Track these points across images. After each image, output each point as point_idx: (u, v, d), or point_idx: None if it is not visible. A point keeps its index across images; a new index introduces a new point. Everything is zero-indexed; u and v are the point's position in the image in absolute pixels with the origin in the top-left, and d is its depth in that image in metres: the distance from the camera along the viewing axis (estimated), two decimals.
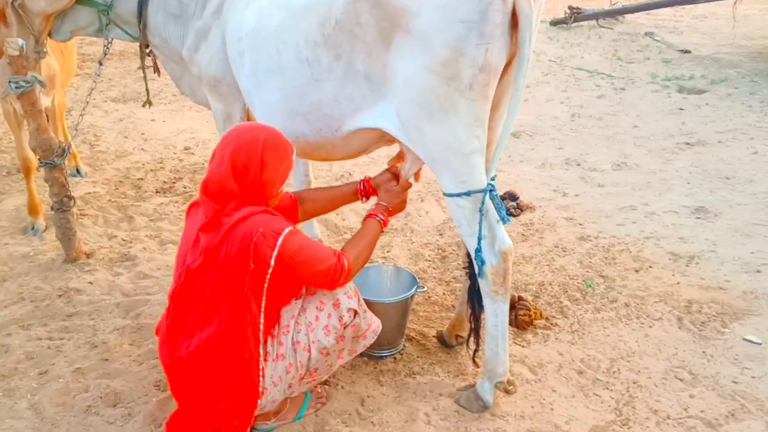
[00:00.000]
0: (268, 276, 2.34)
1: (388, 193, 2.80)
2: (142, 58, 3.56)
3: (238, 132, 2.42)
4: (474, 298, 2.84)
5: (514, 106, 2.35)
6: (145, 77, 3.71)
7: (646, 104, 7.21)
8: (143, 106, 3.89)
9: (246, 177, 2.35)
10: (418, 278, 3.60)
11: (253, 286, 2.35)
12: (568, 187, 5.24)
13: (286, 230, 2.33)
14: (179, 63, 3.38)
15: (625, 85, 7.93)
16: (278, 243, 2.30)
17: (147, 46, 3.50)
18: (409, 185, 2.84)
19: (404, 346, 3.24)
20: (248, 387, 2.45)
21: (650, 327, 3.43)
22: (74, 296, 3.63)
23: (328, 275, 2.42)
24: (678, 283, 3.82)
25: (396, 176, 2.84)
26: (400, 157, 2.84)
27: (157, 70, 3.68)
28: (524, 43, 2.21)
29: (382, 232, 2.73)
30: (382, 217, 2.70)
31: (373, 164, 5.42)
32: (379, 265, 3.44)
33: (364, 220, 2.72)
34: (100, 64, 3.54)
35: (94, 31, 3.40)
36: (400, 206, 2.83)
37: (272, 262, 2.30)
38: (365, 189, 2.87)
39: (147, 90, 3.81)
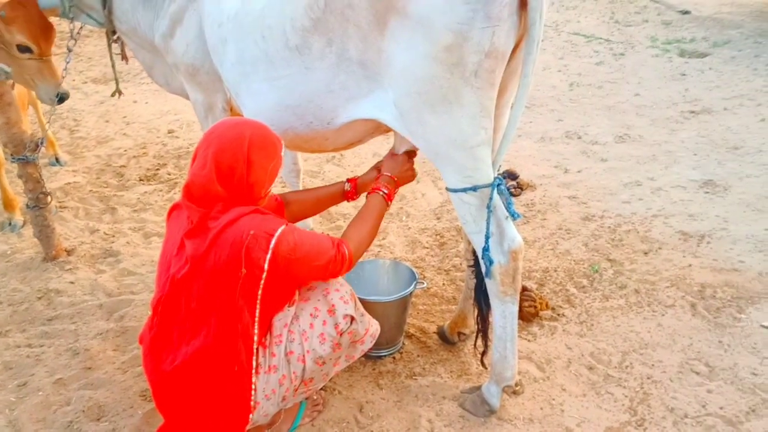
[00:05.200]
0: (262, 281, 2.16)
1: (392, 160, 2.59)
2: (109, 46, 3.30)
3: (221, 130, 2.20)
4: (481, 297, 2.65)
5: (522, 93, 2.12)
6: (113, 66, 3.46)
7: (647, 70, 6.98)
8: (112, 96, 3.63)
9: (232, 179, 2.15)
10: (416, 268, 3.44)
11: (245, 293, 2.17)
12: (569, 162, 5.04)
13: (279, 230, 2.14)
14: (151, 51, 3.13)
15: (625, 50, 7.68)
16: (271, 245, 2.11)
17: (114, 33, 3.23)
18: (414, 153, 2.61)
19: (404, 344, 3.08)
20: (239, 402, 2.28)
21: (662, 315, 3.26)
22: (55, 298, 3.44)
23: (328, 269, 2.25)
24: (689, 265, 3.65)
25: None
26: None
27: (125, 57, 3.43)
28: (534, 23, 1.97)
29: (388, 207, 2.52)
30: (385, 191, 2.50)
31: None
32: (375, 260, 3.25)
33: (368, 195, 2.52)
34: (69, 50, 3.27)
35: (60, 15, 3.14)
36: (407, 176, 2.62)
37: (266, 266, 2.12)
38: (352, 190, 2.68)
39: (116, 80, 3.56)
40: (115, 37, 3.27)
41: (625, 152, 5.16)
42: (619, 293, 3.44)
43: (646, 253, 3.79)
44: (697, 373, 2.88)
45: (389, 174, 2.56)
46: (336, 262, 2.25)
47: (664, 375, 2.87)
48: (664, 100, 6.17)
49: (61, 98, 3.48)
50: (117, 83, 3.59)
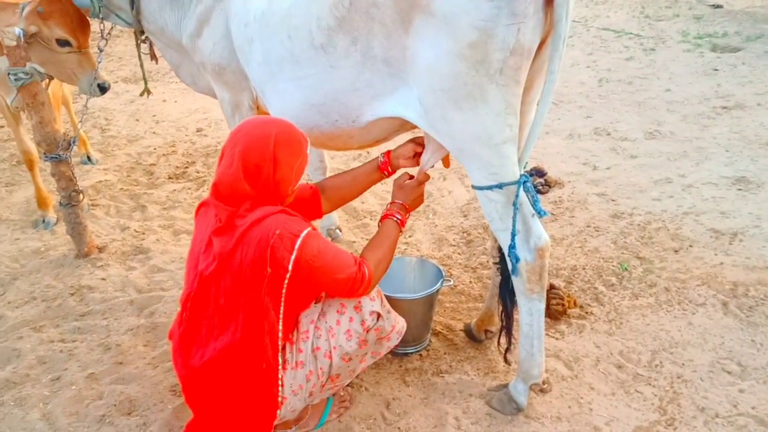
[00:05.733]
0: (286, 281, 2.17)
1: (402, 189, 2.59)
2: (138, 46, 3.36)
3: (247, 128, 2.22)
4: (506, 293, 2.64)
5: (548, 90, 2.11)
6: (141, 65, 3.53)
7: (678, 65, 6.87)
8: (141, 95, 3.70)
9: (259, 177, 2.17)
10: (443, 266, 3.43)
11: (270, 291, 2.19)
12: (598, 159, 4.99)
13: (305, 232, 2.15)
14: (178, 50, 3.18)
15: (655, 45, 7.57)
16: (296, 246, 2.13)
17: (142, 33, 3.29)
18: (426, 178, 2.61)
19: (430, 341, 3.08)
20: (267, 397, 2.30)
21: (693, 314, 3.21)
22: (87, 294, 3.51)
23: (348, 285, 2.24)
24: (721, 263, 3.59)
25: (421, 145, 2.61)
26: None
27: (154, 56, 3.48)
28: (560, 20, 1.96)
29: (401, 232, 2.54)
30: (399, 217, 2.51)
31: None
32: (402, 258, 3.25)
33: (381, 221, 2.53)
34: (100, 50, 3.34)
35: (90, 15, 3.22)
36: (417, 202, 2.62)
37: (290, 267, 2.13)
38: (387, 163, 2.64)
39: (144, 79, 3.63)
40: (143, 38, 3.32)
41: (656, 149, 5.09)
42: (649, 291, 3.40)
43: (676, 251, 3.74)
44: (729, 373, 2.84)
45: (401, 202, 2.56)
46: (356, 280, 2.24)
47: (695, 374, 2.83)
48: (695, 96, 6.07)
49: (103, 88, 3.55)
50: (146, 83, 3.65)
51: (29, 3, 3.31)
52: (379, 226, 2.51)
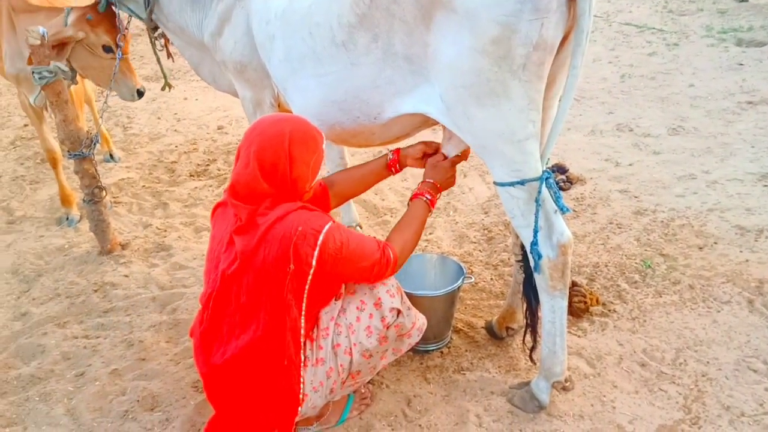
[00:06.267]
0: (309, 277, 2.18)
1: (435, 168, 2.57)
2: (152, 42, 3.39)
3: (261, 127, 2.23)
4: (530, 291, 2.62)
5: (571, 85, 2.09)
6: (158, 60, 3.56)
7: (701, 60, 6.77)
8: (163, 89, 3.74)
9: (275, 175, 2.17)
10: (464, 263, 3.42)
11: (293, 288, 2.20)
12: (620, 155, 4.93)
13: (326, 227, 2.16)
14: (199, 49, 3.19)
15: (678, 40, 7.46)
16: (319, 242, 2.13)
17: (155, 29, 3.32)
18: (459, 160, 2.60)
19: (451, 338, 3.06)
20: (288, 394, 2.31)
21: (718, 312, 3.16)
22: (110, 291, 3.54)
23: (373, 271, 2.26)
24: (746, 260, 3.53)
25: (429, 146, 2.62)
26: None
27: (169, 54, 3.52)
28: (584, 14, 1.94)
29: (431, 212, 2.53)
30: (429, 197, 2.50)
31: None
32: (423, 255, 3.24)
33: (411, 200, 2.53)
34: (119, 46, 3.37)
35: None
36: (449, 182, 2.61)
37: (314, 262, 2.15)
38: (395, 160, 2.64)
39: (164, 74, 3.67)
40: (155, 34, 3.35)
41: (679, 145, 5.03)
42: (673, 289, 3.35)
43: (701, 248, 3.69)
44: (755, 371, 2.79)
45: (432, 181, 2.55)
46: (381, 264, 2.26)
47: (720, 372, 2.79)
48: (719, 91, 5.98)
49: (140, 93, 3.71)
50: (165, 77, 3.69)
51: (74, 9, 3.37)
52: (408, 205, 2.51)
